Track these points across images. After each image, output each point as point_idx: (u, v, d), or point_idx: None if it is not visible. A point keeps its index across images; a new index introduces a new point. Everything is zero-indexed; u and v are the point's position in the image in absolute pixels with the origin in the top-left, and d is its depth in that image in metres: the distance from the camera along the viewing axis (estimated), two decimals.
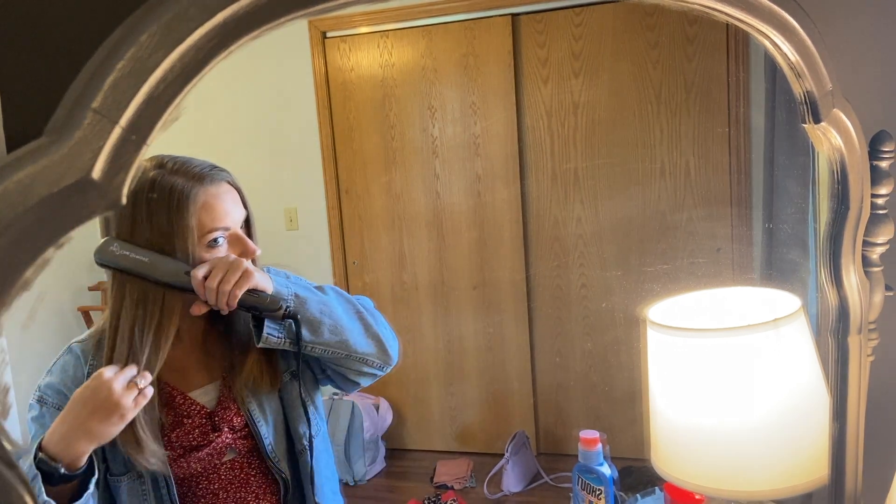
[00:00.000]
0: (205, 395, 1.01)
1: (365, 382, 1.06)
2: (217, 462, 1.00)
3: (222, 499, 1.01)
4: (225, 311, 0.91)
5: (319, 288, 1.02)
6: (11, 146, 0.40)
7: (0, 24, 0.41)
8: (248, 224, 1.00)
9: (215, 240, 0.93)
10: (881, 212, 0.77)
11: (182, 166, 0.93)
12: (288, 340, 0.95)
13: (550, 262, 2.76)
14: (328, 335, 0.97)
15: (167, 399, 0.99)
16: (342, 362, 1.02)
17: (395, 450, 3.02)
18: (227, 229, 0.95)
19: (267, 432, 1.02)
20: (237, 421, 1.01)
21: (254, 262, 0.99)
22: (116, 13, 0.41)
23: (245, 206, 0.99)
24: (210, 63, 0.43)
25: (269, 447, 1.02)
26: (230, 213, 0.95)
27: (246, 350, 1.01)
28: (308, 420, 1.04)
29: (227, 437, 1.00)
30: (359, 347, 1.00)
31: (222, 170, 0.97)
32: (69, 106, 0.40)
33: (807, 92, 0.70)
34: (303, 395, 1.03)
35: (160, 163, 0.92)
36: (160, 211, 0.89)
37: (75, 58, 0.41)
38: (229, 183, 0.97)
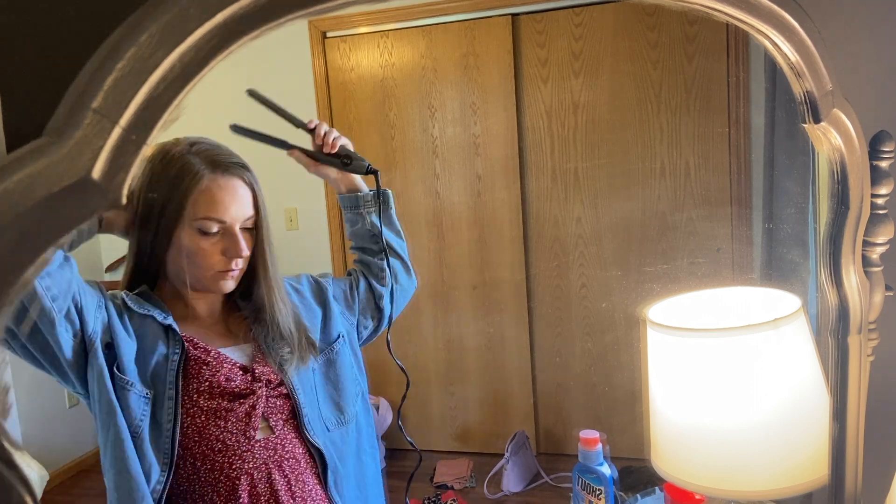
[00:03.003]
0: (239, 352, 1.02)
1: (387, 292, 1.19)
2: (252, 433, 0.97)
3: (256, 479, 0.97)
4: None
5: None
6: (11, 146, 0.40)
7: (0, 24, 0.41)
8: (257, 227, 1.00)
9: (204, 228, 0.94)
10: (881, 212, 0.77)
11: (207, 151, 0.96)
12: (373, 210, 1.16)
13: (550, 262, 2.76)
14: (394, 238, 1.20)
15: (202, 354, 0.97)
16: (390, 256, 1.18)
17: (395, 450, 3.02)
18: (222, 222, 0.95)
19: (304, 400, 1.02)
20: (273, 378, 1.01)
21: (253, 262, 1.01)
22: (116, 13, 0.41)
23: (256, 208, 0.99)
24: (210, 63, 0.43)
25: (305, 416, 1.01)
26: (229, 208, 0.95)
27: (264, 311, 1.03)
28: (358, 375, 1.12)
29: (263, 391, 0.99)
30: (403, 255, 1.22)
31: (245, 168, 0.99)
32: (69, 106, 0.40)
33: (807, 92, 0.70)
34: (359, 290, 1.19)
35: (193, 142, 0.96)
36: (165, 179, 0.93)
37: (75, 58, 0.41)
38: (245, 181, 0.98)
